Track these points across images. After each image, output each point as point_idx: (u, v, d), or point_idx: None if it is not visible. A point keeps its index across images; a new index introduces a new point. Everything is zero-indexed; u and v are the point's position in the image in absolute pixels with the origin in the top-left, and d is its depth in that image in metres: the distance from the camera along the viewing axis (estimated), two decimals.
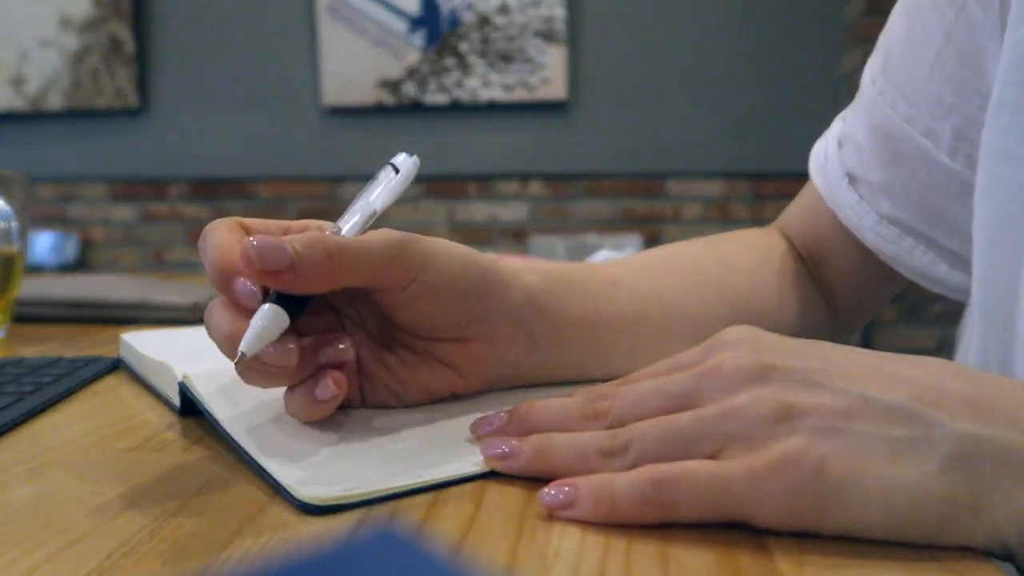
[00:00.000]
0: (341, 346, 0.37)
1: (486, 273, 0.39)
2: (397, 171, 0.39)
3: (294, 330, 0.34)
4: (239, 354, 0.32)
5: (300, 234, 0.34)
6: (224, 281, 0.34)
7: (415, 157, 0.40)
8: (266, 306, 0.33)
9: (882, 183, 0.50)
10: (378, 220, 0.38)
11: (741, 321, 0.50)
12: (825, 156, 0.55)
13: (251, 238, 0.33)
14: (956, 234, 0.49)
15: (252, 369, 0.34)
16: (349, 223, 0.37)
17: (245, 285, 0.33)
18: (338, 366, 0.36)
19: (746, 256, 0.55)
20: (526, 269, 0.42)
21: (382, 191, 0.39)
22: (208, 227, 0.35)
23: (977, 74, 0.44)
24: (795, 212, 0.59)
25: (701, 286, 0.50)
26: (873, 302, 0.60)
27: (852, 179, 0.52)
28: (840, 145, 0.54)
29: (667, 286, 0.49)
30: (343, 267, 0.34)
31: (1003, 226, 0.40)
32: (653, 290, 0.48)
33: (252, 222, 0.37)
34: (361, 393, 0.39)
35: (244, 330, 0.33)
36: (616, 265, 0.49)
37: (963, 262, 0.49)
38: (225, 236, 0.35)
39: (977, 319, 0.43)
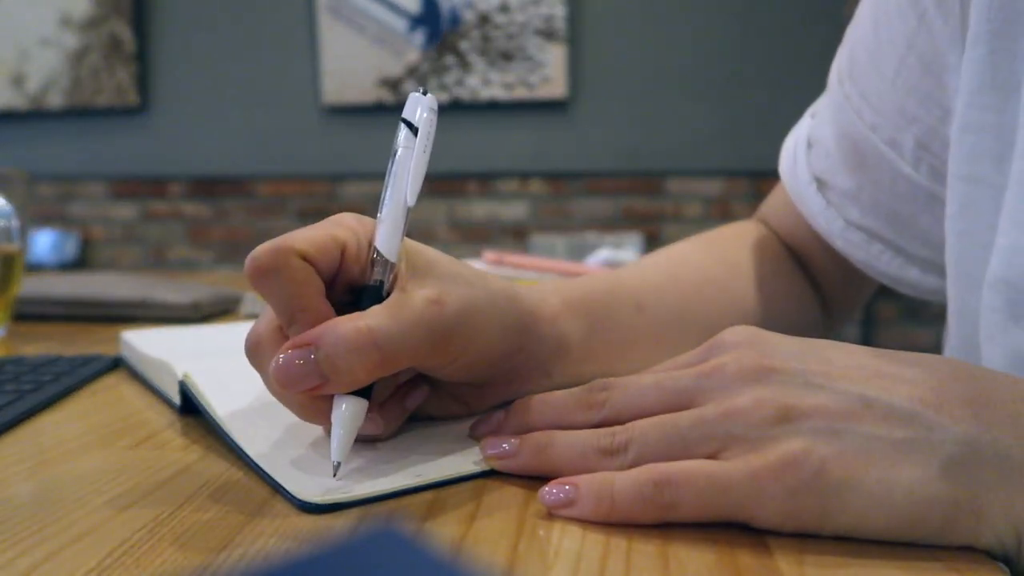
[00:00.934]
0: (424, 388, 0.37)
1: (524, 336, 0.38)
2: (415, 129, 0.34)
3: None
4: (335, 464, 0.31)
5: (341, 341, 0.30)
6: (258, 366, 0.33)
7: (429, 98, 0.35)
8: (342, 406, 0.31)
9: (849, 190, 0.50)
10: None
11: (745, 323, 0.50)
12: (795, 157, 0.54)
13: (277, 357, 0.30)
14: (925, 243, 0.48)
15: None
16: (390, 243, 0.33)
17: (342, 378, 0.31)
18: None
19: (748, 257, 0.55)
20: (562, 312, 0.41)
21: (409, 174, 0.34)
22: (266, 267, 0.31)
23: (938, 85, 0.43)
24: (774, 206, 0.59)
25: (712, 294, 0.50)
26: (856, 296, 0.60)
27: (821, 184, 0.52)
28: (810, 146, 0.53)
29: (684, 302, 0.48)
30: (388, 370, 0.31)
31: (971, 248, 0.40)
32: (674, 311, 0.47)
33: (311, 253, 0.32)
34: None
35: (320, 411, 0.32)
36: (642, 280, 0.48)
37: (935, 267, 0.49)
38: (309, 288, 0.32)
39: (952, 332, 0.43)
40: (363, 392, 0.32)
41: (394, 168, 0.34)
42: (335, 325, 0.30)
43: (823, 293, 0.58)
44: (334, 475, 0.31)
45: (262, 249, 0.31)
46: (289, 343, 0.30)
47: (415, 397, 0.36)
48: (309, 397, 0.32)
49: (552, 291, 0.42)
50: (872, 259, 0.51)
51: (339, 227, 0.34)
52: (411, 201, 0.34)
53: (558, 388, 0.40)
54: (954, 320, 0.42)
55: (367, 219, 0.35)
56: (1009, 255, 0.36)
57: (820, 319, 0.58)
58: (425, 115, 0.34)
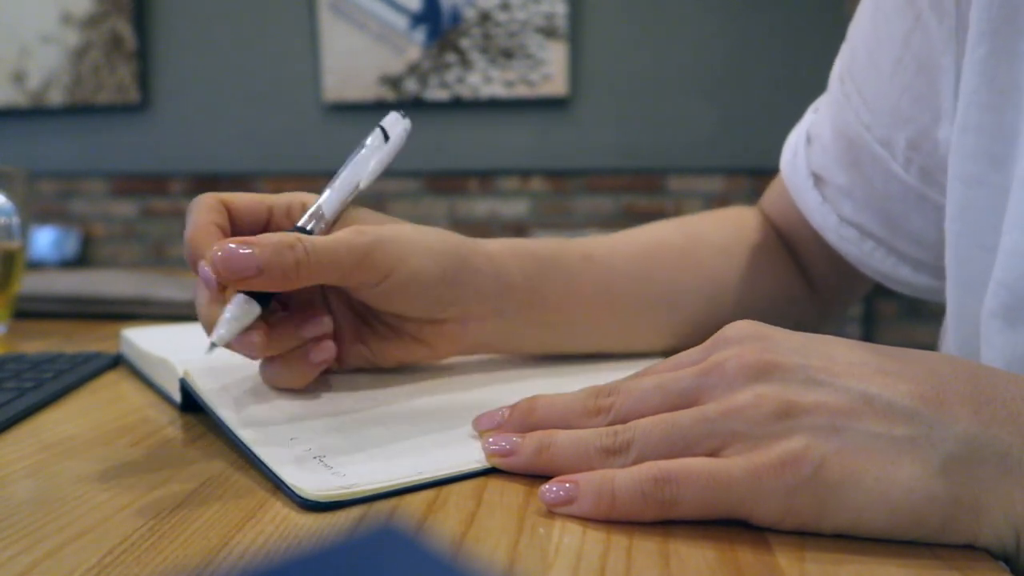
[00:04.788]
0: (324, 319, 0.39)
1: (459, 263, 0.41)
2: (387, 137, 0.39)
3: (265, 314, 0.36)
4: (209, 344, 0.34)
5: (268, 238, 0.35)
6: (193, 263, 0.36)
7: (407, 121, 0.40)
8: (238, 297, 0.35)
9: (844, 186, 0.51)
10: (378, 207, 0.40)
11: (707, 291, 0.52)
12: (795, 152, 0.55)
13: (217, 246, 0.34)
14: (916, 242, 0.49)
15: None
16: (331, 201, 0.38)
17: (206, 272, 0.35)
18: (319, 337, 0.39)
19: (718, 230, 0.56)
20: (502, 251, 0.44)
21: (370, 164, 0.39)
22: (192, 202, 0.37)
23: (931, 86, 0.43)
24: (772, 198, 0.60)
25: (669, 257, 0.51)
26: (850, 291, 0.60)
27: (818, 179, 0.53)
28: (809, 141, 0.54)
29: (637, 259, 0.50)
30: (310, 273, 0.35)
31: (970, 249, 0.40)
32: (624, 264, 0.49)
33: (233, 199, 0.38)
34: (338, 359, 0.42)
35: (217, 315, 0.35)
36: (592, 240, 0.50)
37: (926, 266, 0.49)
38: (203, 216, 0.37)
39: (951, 333, 0.43)
40: (262, 300, 0.35)
41: (357, 156, 0.39)
42: (273, 231, 0.35)
43: (817, 286, 0.58)
44: (207, 351, 0.34)
45: (203, 195, 0.38)
46: (231, 238, 0.35)
47: (321, 351, 0.39)
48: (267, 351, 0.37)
49: (496, 240, 0.45)
50: (864, 256, 0.51)
51: (278, 196, 0.39)
52: (363, 185, 0.39)
53: (514, 330, 0.45)
54: (953, 322, 0.43)
55: (312, 196, 0.40)
56: (1009, 258, 0.36)
57: (802, 301, 0.58)
58: (399, 131, 0.40)
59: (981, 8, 0.38)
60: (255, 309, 0.35)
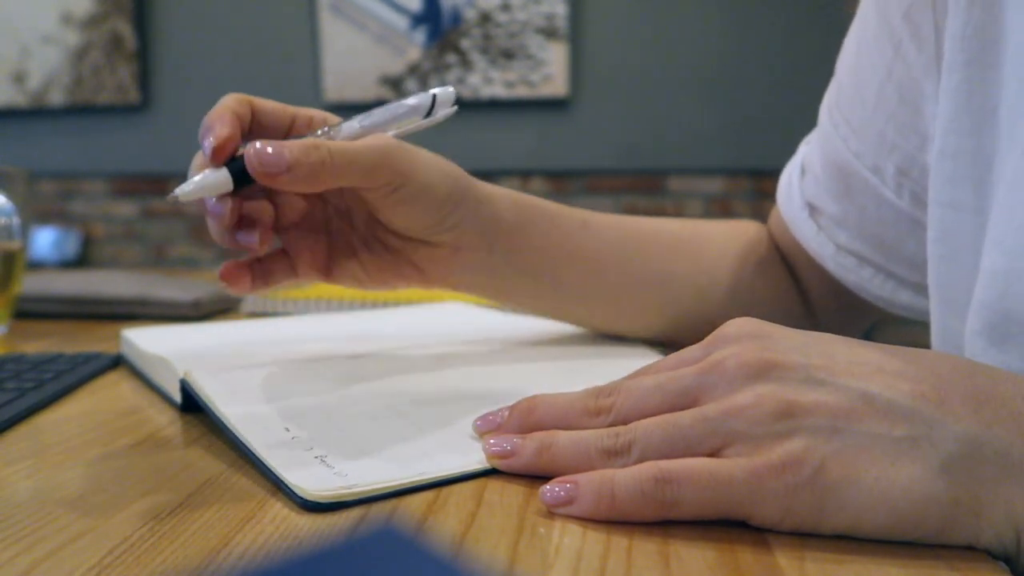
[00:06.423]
0: (267, 236, 0.43)
1: (463, 189, 0.44)
2: (429, 112, 0.41)
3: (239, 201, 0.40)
4: (173, 195, 0.38)
5: (299, 141, 0.37)
6: (202, 136, 0.39)
7: (455, 109, 0.42)
8: (220, 169, 0.38)
9: (837, 215, 0.51)
10: None
11: (700, 282, 0.52)
12: (789, 183, 0.56)
13: (250, 145, 0.37)
14: (912, 267, 0.49)
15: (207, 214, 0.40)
16: (351, 125, 0.40)
17: (208, 144, 0.38)
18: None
19: (722, 232, 0.57)
20: (500, 193, 0.48)
21: (404, 123, 0.41)
22: (224, 97, 0.39)
23: (915, 113, 0.44)
24: (775, 225, 0.60)
25: (666, 243, 0.53)
26: (850, 324, 0.59)
27: (812, 209, 0.53)
28: (803, 172, 0.54)
29: (633, 238, 0.52)
30: (335, 173, 0.38)
31: (952, 271, 0.40)
32: (620, 239, 0.50)
33: (260, 101, 0.40)
34: (328, 272, 0.45)
35: (232, 241, 0.40)
36: (595, 212, 0.51)
37: (926, 290, 0.49)
38: (227, 103, 0.39)
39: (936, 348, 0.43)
40: (239, 179, 0.38)
41: (394, 109, 0.41)
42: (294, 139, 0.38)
43: (815, 310, 0.58)
44: (168, 198, 0.38)
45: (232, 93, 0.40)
46: (263, 140, 0.37)
47: (248, 235, 0.41)
48: (230, 226, 0.40)
49: (501, 187, 0.48)
50: (864, 282, 0.51)
51: (302, 108, 0.43)
52: (390, 133, 0.41)
53: (502, 271, 0.47)
54: (937, 342, 0.43)
55: (336, 117, 0.42)
56: (989, 278, 0.36)
57: (797, 313, 0.58)
58: (443, 114, 0.41)
59: (954, 38, 0.38)
60: (226, 183, 0.38)
